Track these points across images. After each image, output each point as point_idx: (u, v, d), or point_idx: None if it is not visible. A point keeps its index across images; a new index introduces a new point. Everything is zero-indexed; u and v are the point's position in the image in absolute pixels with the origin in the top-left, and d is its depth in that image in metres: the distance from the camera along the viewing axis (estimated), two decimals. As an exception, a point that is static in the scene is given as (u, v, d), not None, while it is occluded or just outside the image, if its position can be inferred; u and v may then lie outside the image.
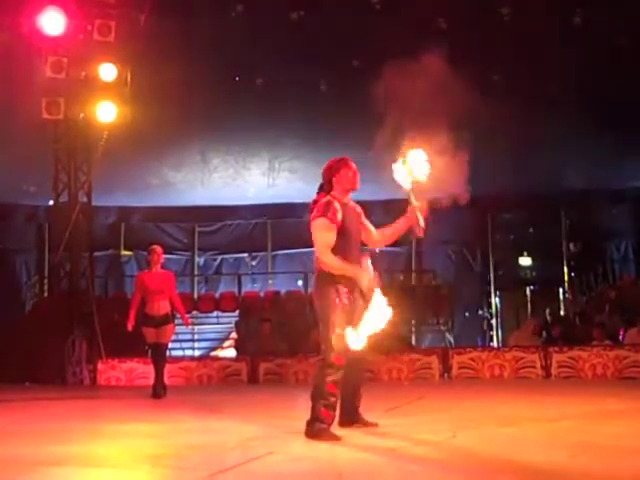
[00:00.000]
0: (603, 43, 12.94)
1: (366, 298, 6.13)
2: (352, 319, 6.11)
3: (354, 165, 6.39)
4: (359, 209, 6.50)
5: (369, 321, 6.06)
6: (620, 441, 5.74)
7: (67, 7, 13.70)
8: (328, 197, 6.26)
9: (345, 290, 6.13)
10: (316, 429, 5.98)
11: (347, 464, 5.11)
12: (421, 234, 6.38)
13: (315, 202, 6.31)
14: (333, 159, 6.44)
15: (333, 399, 6.04)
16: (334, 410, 6.09)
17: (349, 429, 6.26)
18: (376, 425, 6.40)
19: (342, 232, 6.17)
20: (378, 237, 6.60)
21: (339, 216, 6.16)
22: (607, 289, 18.49)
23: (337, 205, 6.20)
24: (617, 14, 12.55)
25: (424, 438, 5.95)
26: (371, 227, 6.60)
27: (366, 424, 6.40)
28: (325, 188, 6.37)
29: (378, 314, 6.08)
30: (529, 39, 13.11)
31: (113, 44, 14.07)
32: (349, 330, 5.99)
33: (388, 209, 15.14)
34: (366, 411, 6.56)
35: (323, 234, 6.14)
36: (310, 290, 18.55)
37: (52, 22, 13.70)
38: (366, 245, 6.61)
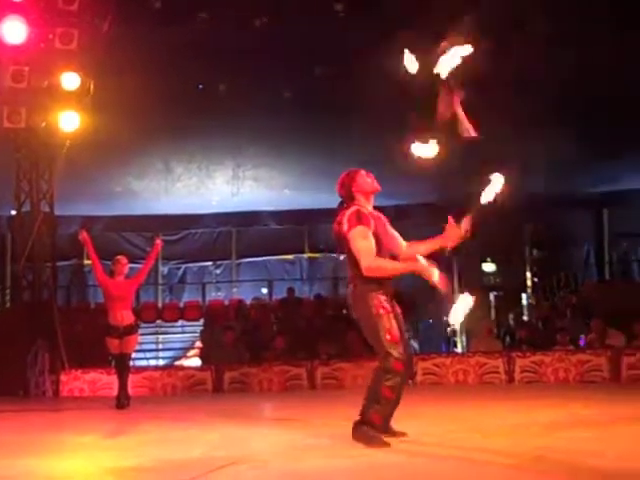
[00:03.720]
0: (568, 55, 13.06)
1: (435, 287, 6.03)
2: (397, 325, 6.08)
3: (363, 170, 6.40)
4: (384, 218, 6.43)
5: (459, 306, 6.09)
6: (583, 445, 5.80)
7: (28, 15, 13.57)
8: (354, 207, 6.20)
9: (384, 298, 6.09)
10: (365, 433, 5.90)
11: (310, 472, 5.12)
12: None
13: (341, 216, 6.20)
14: (341, 176, 6.40)
15: (387, 404, 5.96)
16: (386, 417, 6.01)
17: None
18: (404, 435, 6.23)
19: (375, 240, 6.12)
20: (408, 250, 6.46)
21: (372, 224, 6.14)
22: (569, 294, 18.68)
23: (366, 212, 6.19)
24: (582, 28, 12.68)
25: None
26: (399, 237, 6.52)
27: (395, 434, 6.20)
28: (347, 204, 6.30)
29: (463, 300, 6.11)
30: (495, 52, 13.19)
31: (75, 53, 13.97)
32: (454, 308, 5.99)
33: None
34: (329, 419, 6.57)
35: (364, 242, 6.04)
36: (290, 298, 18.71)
37: (13, 31, 13.56)
38: (396, 255, 6.48)
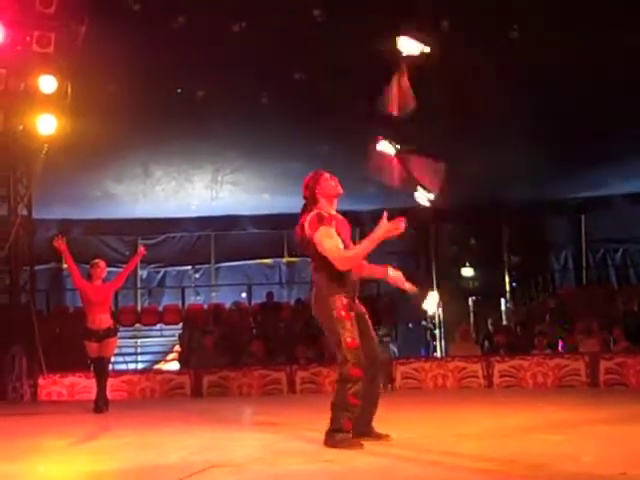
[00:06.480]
0: (540, 56, 13.12)
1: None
2: (358, 328, 6.10)
3: (327, 174, 6.42)
4: (347, 224, 6.45)
5: None
6: (558, 449, 5.83)
7: (4, 17, 13.48)
8: (315, 211, 6.24)
9: (347, 301, 6.11)
10: (338, 439, 5.95)
11: (288, 476, 5.12)
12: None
13: (303, 220, 6.25)
14: (306, 178, 6.44)
15: (355, 410, 6.02)
16: (353, 421, 6.05)
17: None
18: (388, 437, 6.25)
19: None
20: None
21: (334, 224, 6.18)
22: (547, 299, 18.77)
23: (326, 215, 6.22)
24: (549, 27, 12.74)
25: (364, 449, 5.97)
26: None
27: (379, 437, 6.24)
28: (309, 207, 6.33)
29: None
30: (468, 51, 13.24)
31: (52, 56, 13.89)
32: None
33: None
34: (308, 423, 6.56)
35: (330, 241, 6.08)
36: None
37: (-11, 33, 13.48)
38: None
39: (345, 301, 6.12)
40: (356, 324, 6.11)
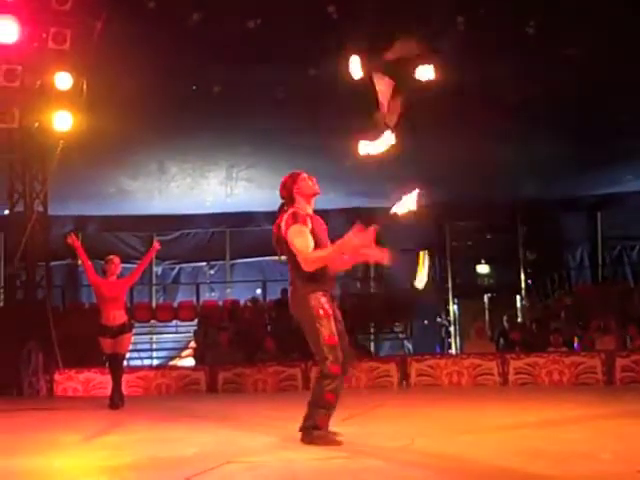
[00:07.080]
0: (556, 53, 13.07)
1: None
2: (335, 326, 6.13)
3: (305, 173, 6.45)
4: (323, 223, 6.45)
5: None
6: (575, 446, 5.80)
7: (21, 14, 13.52)
8: (291, 210, 6.27)
9: (325, 300, 6.15)
10: (315, 435, 6.03)
11: (304, 472, 5.11)
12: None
13: (280, 219, 6.29)
14: (283, 178, 6.48)
15: (331, 408, 6.09)
16: (329, 418, 6.12)
17: None
18: (335, 435, 6.25)
19: (314, 239, 6.17)
20: None
21: (309, 223, 6.20)
22: (563, 296, 18.70)
23: (303, 213, 6.25)
24: (569, 24, 12.69)
25: (381, 446, 5.98)
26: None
27: (333, 434, 6.25)
28: (287, 206, 6.37)
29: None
30: (483, 49, 13.20)
31: (68, 52, 13.92)
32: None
33: (347, 217, 15.29)
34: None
35: (301, 239, 6.11)
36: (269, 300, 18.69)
37: (5, 30, 13.46)
38: None
39: (323, 299, 6.15)
40: (332, 321, 6.12)
